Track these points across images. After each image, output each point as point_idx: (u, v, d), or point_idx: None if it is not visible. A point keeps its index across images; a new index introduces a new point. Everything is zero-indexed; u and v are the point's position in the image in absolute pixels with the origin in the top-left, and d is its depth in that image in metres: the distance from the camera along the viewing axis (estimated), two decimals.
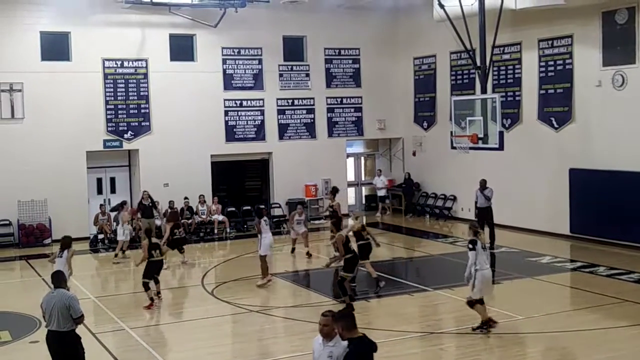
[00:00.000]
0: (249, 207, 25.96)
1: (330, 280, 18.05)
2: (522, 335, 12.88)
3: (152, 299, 15.35)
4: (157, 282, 15.79)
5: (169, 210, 22.27)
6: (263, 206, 22.08)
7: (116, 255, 20.80)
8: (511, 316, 13.74)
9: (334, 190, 22.09)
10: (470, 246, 12.56)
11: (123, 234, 20.99)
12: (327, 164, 27.40)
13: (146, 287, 15.41)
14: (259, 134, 26.47)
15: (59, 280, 9.90)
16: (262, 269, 16.94)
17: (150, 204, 22.94)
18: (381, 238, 21.92)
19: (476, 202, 21.04)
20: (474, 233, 12.74)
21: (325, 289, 16.67)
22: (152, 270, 15.60)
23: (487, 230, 20.71)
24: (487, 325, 12.67)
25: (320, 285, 17.10)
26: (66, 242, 14.64)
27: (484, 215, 20.60)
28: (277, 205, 26.36)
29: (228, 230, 24.63)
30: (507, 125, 22.99)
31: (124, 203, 22.36)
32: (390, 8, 26.70)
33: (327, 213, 21.03)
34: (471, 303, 12.70)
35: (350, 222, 16.79)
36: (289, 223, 21.81)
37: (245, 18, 25.15)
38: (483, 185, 20.70)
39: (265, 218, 17.29)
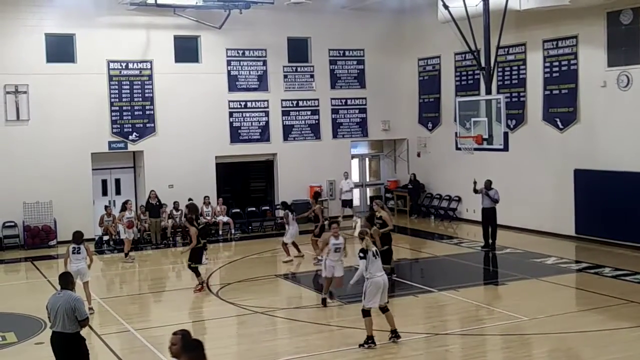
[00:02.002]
0: (253, 209, 26.01)
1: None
2: (528, 336, 12.86)
3: (202, 283, 16.53)
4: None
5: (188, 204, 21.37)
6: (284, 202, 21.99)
7: (126, 255, 20.91)
8: (516, 317, 13.72)
9: (317, 195, 21.64)
10: (361, 254, 12.21)
11: (125, 232, 21.04)
12: (331, 165, 27.40)
13: (196, 271, 16.51)
14: (264, 135, 26.48)
15: (66, 281, 9.92)
16: (285, 250, 19.53)
17: (157, 204, 23.03)
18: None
19: (475, 185, 21.06)
20: (362, 240, 12.50)
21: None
22: (200, 255, 16.84)
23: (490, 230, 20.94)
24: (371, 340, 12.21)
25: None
26: (81, 236, 14.87)
27: (489, 216, 20.63)
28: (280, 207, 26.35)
29: (233, 231, 24.65)
30: (511, 126, 22.96)
31: (127, 202, 22.34)
32: (394, 9, 26.69)
33: (311, 216, 20.22)
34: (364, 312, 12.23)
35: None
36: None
37: (250, 19, 25.17)
38: (488, 186, 20.70)
39: (293, 211, 20.03)
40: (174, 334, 7.04)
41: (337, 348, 12.39)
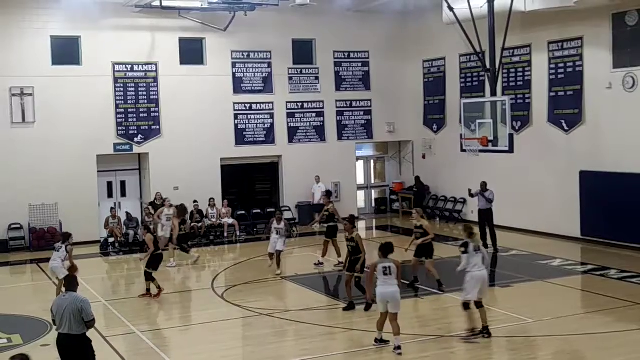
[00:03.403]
0: (258, 211, 26.02)
1: (340, 282, 18.09)
2: (533, 338, 12.84)
3: (149, 290, 16.34)
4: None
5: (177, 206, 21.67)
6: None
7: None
8: (522, 319, 13.71)
9: (329, 194, 21.74)
10: (463, 250, 12.63)
11: (162, 229, 21.12)
12: (336, 167, 27.41)
13: (151, 277, 16.34)
14: (269, 137, 26.50)
15: (71, 283, 9.94)
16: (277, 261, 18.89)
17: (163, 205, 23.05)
18: (392, 241, 21.92)
19: (470, 190, 21.24)
20: (469, 235, 12.83)
21: (335, 292, 16.65)
22: (159, 262, 16.57)
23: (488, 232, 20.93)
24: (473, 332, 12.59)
25: (331, 288, 17.08)
26: (67, 237, 15.27)
27: (485, 218, 20.71)
28: (287, 209, 26.36)
29: (238, 233, 24.66)
30: (517, 128, 22.93)
31: (165, 199, 22.62)
32: (399, 11, 26.68)
33: (324, 217, 20.30)
34: (465, 306, 12.65)
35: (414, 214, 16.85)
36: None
37: (255, 21, 25.18)
38: (484, 187, 20.79)
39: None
40: (12, 358, 7.24)
41: (342, 350, 12.39)
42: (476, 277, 12.51)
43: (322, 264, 19.46)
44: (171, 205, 21.37)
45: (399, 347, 11.81)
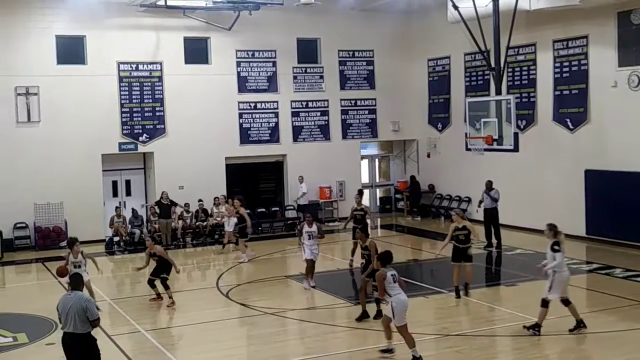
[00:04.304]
0: (263, 209, 26.02)
1: (345, 281, 18.12)
2: (538, 337, 12.81)
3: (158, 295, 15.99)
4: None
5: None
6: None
7: (223, 247, 21.94)
8: (527, 318, 13.66)
9: (361, 193, 21.78)
10: (556, 247, 12.82)
11: (229, 225, 21.53)
12: (341, 166, 27.40)
13: (166, 284, 15.82)
14: (273, 136, 26.51)
15: (77, 282, 9.96)
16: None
17: (169, 204, 23.12)
18: (396, 240, 21.96)
19: (481, 202, 21.23)
20: (555, 234, 12.98)
21: (339, 291, 16.65)
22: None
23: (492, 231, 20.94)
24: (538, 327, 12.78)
25: (335, 288, 17.08)
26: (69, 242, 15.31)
27: (490, 217, 20.70)
28: (292, 208, 26.39)
29: None
30: (522, 127, 22.89)
31: (224, 197, 23.35)
32: (404, 10, 26.64)
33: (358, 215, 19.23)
34: (547, 302, 12.79)
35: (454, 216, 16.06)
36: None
37: (259, 21, 25.19)
38: (489, 186, 20.79)
39: None
40: None
41: (347, 349, 12.39)
42: (565, 278, 12.80)
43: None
44: (227, 201, 22.46)
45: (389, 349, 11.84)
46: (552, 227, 13.14)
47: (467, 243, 15.62)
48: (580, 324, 12.78)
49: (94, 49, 23.98)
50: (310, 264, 16.73)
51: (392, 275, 11.61)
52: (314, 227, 16.91)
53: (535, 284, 16.58)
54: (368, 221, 19.77)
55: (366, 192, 29.02)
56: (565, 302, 12.85)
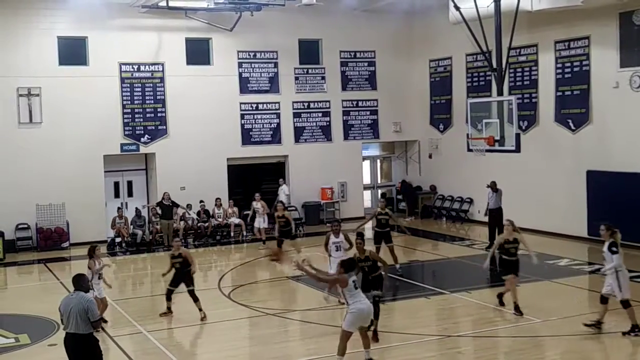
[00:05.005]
0: None
1: None
2: (541, 338, 12.82)
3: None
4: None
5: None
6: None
7: (264, 242, 22.55)
8: (529, 319, 13.68)
9: (384, 196, 21.44)
10: (614, 249, 12.73)
11: (264, 221, 22.82)
12: (343, 167, 27.41)
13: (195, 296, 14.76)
14: (275, 137, 26.51)
15: (79, 283, 9.96)
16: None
17: (171, 205, 23.14)
18: (397, 240, 21.91)
19: (488, 204, 21.18)
20: (612, 234, 12.91)
21: (342, 294, 16.62)
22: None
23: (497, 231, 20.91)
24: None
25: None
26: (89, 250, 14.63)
27: (496, 216, 20.68)
28: (294, 209, 26.38)
29: (244, 233, 24.64)
30: (523, 128, 22.88)
31: (256, 194, 23.67)
32: (405, 10, 26.63)
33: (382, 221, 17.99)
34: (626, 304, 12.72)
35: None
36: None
37: (261, 21, 25.20)
38: (494, 186, 20.78)
39: None
40: None
41: (349, 350, 12.37)
42: (627, 277, 12.82)
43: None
44: (261, 199, 23.21)
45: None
46: (609, 228, 12.99)
47: (517, 255, 14.57)
48: (635, 329, 12.58)
49: (96, 49, 24.00)
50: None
51: (353, 281, 11.18)
52: (341, 237, 15.10)
53: (538, 285, 16.61)
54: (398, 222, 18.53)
55: (367, 193, 29.06)
56: (626, 304, 12.69)
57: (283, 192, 25.78)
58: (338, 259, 13.64)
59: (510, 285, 14.33)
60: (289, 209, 25.95)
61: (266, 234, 22.93)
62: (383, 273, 13.00)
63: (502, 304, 14.58)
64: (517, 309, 13.97)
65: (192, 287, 14.64)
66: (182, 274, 14.67)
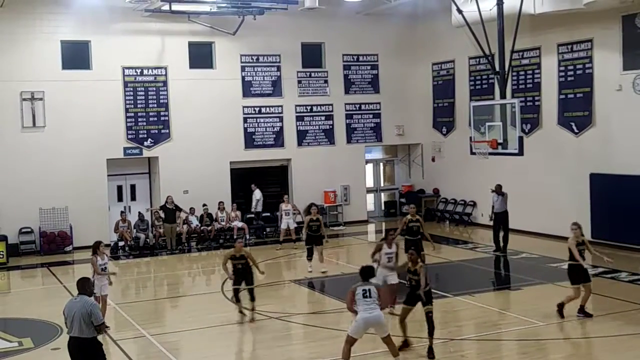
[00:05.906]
0: (268, 214, 26.00)
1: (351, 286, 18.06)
2: (544, 341, 12.80)
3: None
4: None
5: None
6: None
7: (280, 243, 23.01)
8: (532, 322, 13.66)
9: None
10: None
11: (290, 221, 23.19)
12: (346, 170, 27.41)
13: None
14: (278, 140, 26.53)
15: (82, 286, 9.97)
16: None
17: (174, 208, 23.15)
18: (401, 243, 21.87)
19: (493, 207, 21.17)
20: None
21: (344, 296, 16.62)
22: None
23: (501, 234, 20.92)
24: None
25: (340, 292, 17.07)
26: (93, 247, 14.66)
27: (502, 220, 20.70)
28: (297, 212, 26.33)
29: (247, 236, 24.64)
30: (526, 131, 22.88)
31: (287, 195, 24.20)
32: (408, 14, 26.66)
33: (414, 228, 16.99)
34: None
35: None
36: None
37: (264, 25, 25.23)
38: (499, 190, 20.78)
39: None
40: None
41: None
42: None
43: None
44: (288, 202, 23.86)
45: None
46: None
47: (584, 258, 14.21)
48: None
49: (99, 54, 24.03)
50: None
51: (363, 290, 11.04)
52: (394, 248, 14.34)
53: (541, 288, 16.59)
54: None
55: (370, 196, 29.05)
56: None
57: (254, 197, 25.64)
58: (389, 274, 13.92)
59: (586, 292, 13.89)
60: (293, 212, 25.93)
61: (296, 234, 23.36)
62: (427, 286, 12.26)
63: (562, 316, 13.92)
64: (583, 311, 13.85)
65: (252, 285, 14.87)
66: (245, 273, 14.87)
